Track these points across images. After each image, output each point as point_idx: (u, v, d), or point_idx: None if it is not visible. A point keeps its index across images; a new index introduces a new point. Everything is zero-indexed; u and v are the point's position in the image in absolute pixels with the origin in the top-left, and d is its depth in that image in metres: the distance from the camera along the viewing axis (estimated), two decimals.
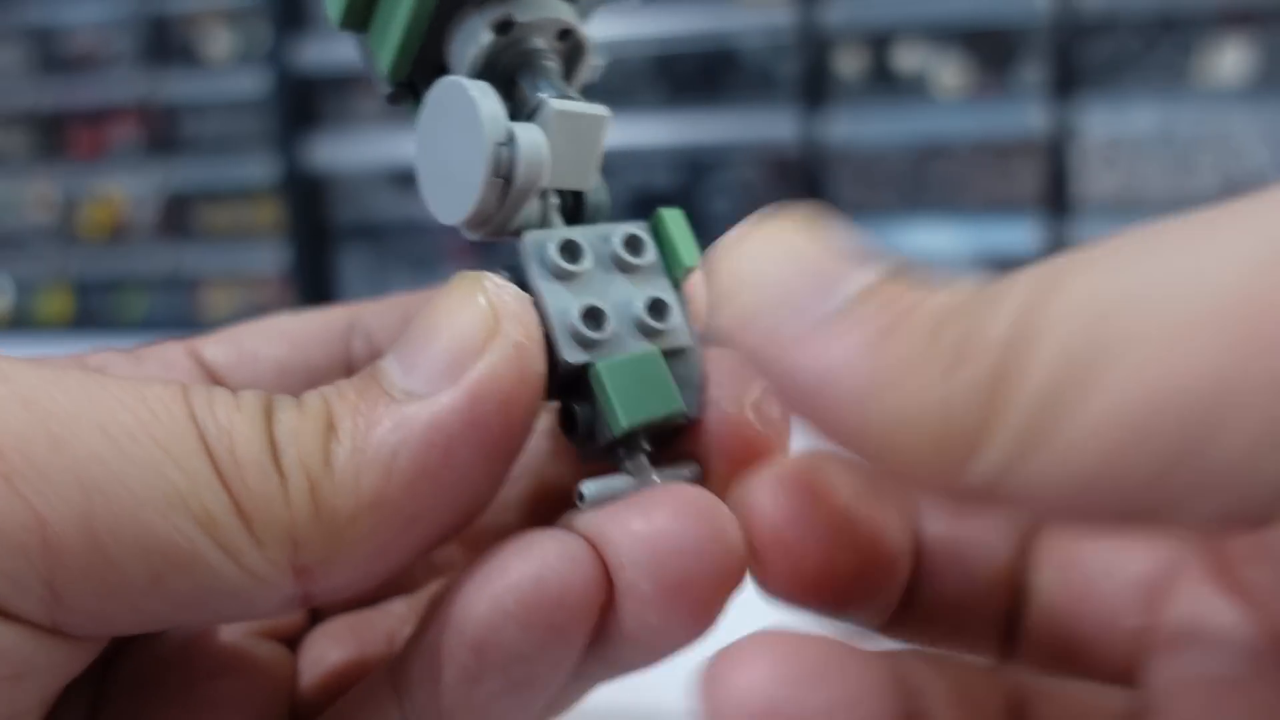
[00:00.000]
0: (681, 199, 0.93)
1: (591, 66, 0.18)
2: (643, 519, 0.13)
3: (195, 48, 1.12)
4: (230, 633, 0.18)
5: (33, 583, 0.12)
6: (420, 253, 1.08)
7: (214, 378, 0.18)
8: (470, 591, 0.13)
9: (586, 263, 0.16)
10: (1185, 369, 0.09)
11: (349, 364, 0.19)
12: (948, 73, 0.90)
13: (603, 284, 0.16)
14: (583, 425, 0.15)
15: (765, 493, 0.14)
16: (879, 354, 0.11)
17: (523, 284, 0.15)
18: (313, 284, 1.07)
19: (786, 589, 0.14)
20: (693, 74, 0.94)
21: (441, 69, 0.17)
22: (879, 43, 0.91)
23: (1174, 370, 0.10)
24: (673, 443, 0.16)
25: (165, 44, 1.13)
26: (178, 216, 1.15)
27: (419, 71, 0.17)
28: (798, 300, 0.12)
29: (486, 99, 0.15)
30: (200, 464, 0.12)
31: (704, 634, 0.14)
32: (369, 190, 1.09)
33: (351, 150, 1.03)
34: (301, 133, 1.04)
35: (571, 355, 0.15)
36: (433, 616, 0.14)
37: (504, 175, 0.15)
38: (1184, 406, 0.09)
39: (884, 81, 0.91)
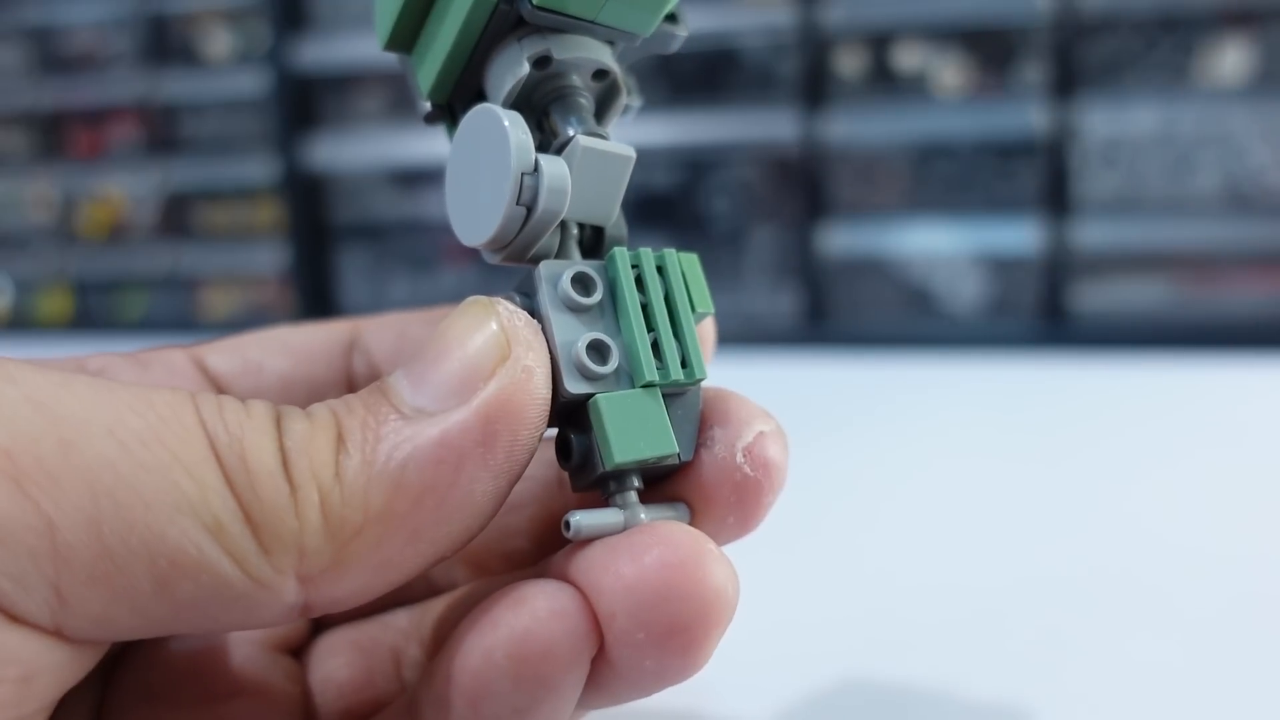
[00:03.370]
0: (681, 198, 0.93)
1: (624, 106, 0.18)
2: (632, 564, 0.14)
3: (195, 48, 1.12)
4: (242, 649, 0.18)
5: (39, 585, 0.12)
6: (420, 253, 1.08)
7: (218, 386, 0.19)
8: (465, 644, 0.14)
9: (598, 295, 0.16)
10: None
11: (350, 379, 0.19)
12: (948, 73, 0.90)
13: (613, 318, 0.16)
14: (577, 455, 0.16)
15: None
16: None
17: (533, 311, 0.15)
18: (313, 284, 1.07)
19: None
20: (692, 73, 0.94)
21: (480, 94, 0.17)
22: (879, 43, 0.91)
23: None
24: (665, 480, 0.16)
25: (165, 44, 1.13)
26: (177, 216, 1.15)
27: (458, 95, 0.17)
28: None
29: (517, 129, 0.15)
30: (210, 471, 0.13)
31: (699, 669, 0.14)
32: (369, 190, 1.08)
33: (351, 150, 1.03)
34: (301, 133, 1.04)
35: (573, 386, 0.15)
36: (437, 665, 0.14)
37: (526, 204, 0.15)
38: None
39: (884, 81, 0.91)
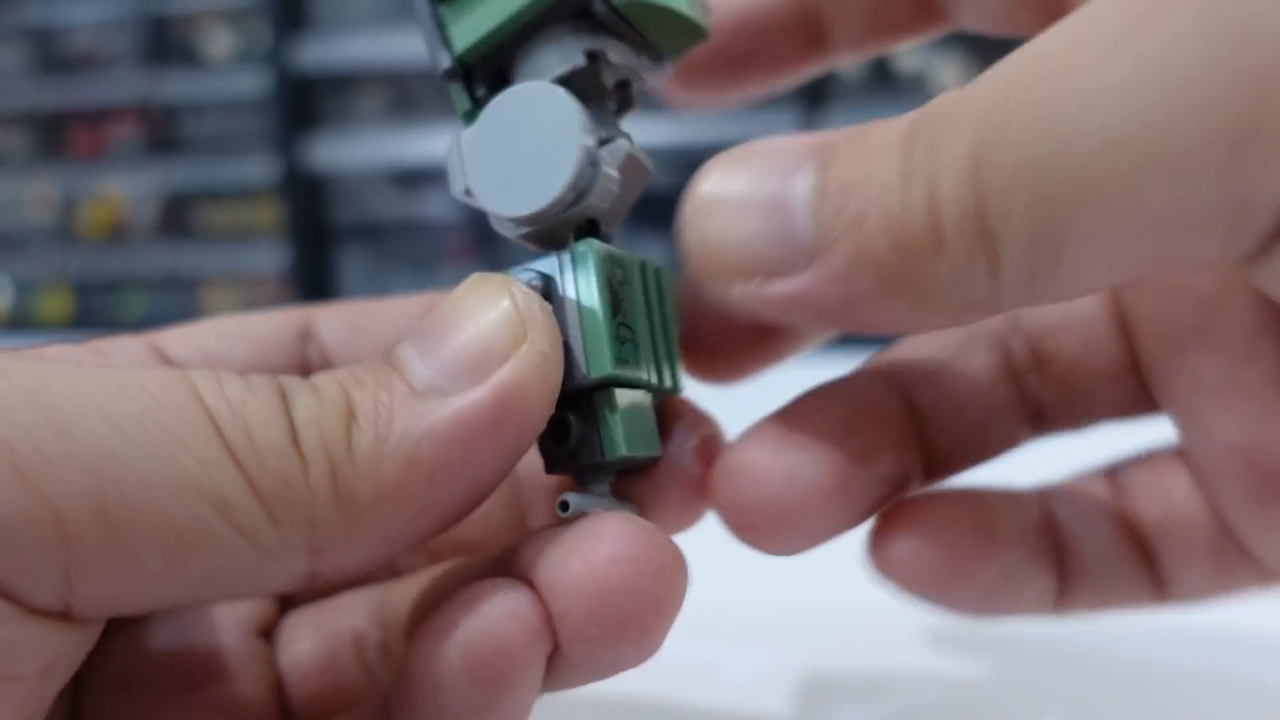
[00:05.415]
0: (681, 199, 0.92)
1: (624, 123, 0.18)
2: (582, 561, 0.14)
3: (195, 48, 1.12)
4: (217, 634, 0.18)
5: (50, 574, 0.12)
6: (420, 253, 1.08)
7: None
8: (424, 647, 0.14)
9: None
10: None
11: (304, 367, 0.20)
12: (948, 73, 0.90)
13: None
14: (575, 439, 0.16)
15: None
16: (853, 280, 0.14)
17: (547, 291, 0.15)
18: (313, 284, 1.07)
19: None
20: None
21: (500, 69, 0.17)
22: None
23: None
24: (621, 477, 0.17)
25: (165, 44, 1.13)
26: (177, 216, 1.15)
27: (482, 63, 0.17)
28: (765, 259, 0.14)
29: (585, 119, 0.16)
30: (213, 448, 0.12)
31: (651, 656, 0.14)
32: (369, 190, 1.09)
33: (351, 150, 1.03)
34: (301, 133, 1.04)
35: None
36: (404, 667, 0.14)
37: (578, 191, 0.15)
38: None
39: (884, 81, 0.91)
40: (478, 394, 0.14)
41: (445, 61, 0.17)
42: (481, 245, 1.11)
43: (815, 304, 0.14)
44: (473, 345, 0.14)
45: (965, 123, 0.13)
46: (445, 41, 0.17)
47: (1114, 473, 0.20)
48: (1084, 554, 0.19)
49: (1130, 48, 0.11)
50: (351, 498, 0.13)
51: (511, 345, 0.14)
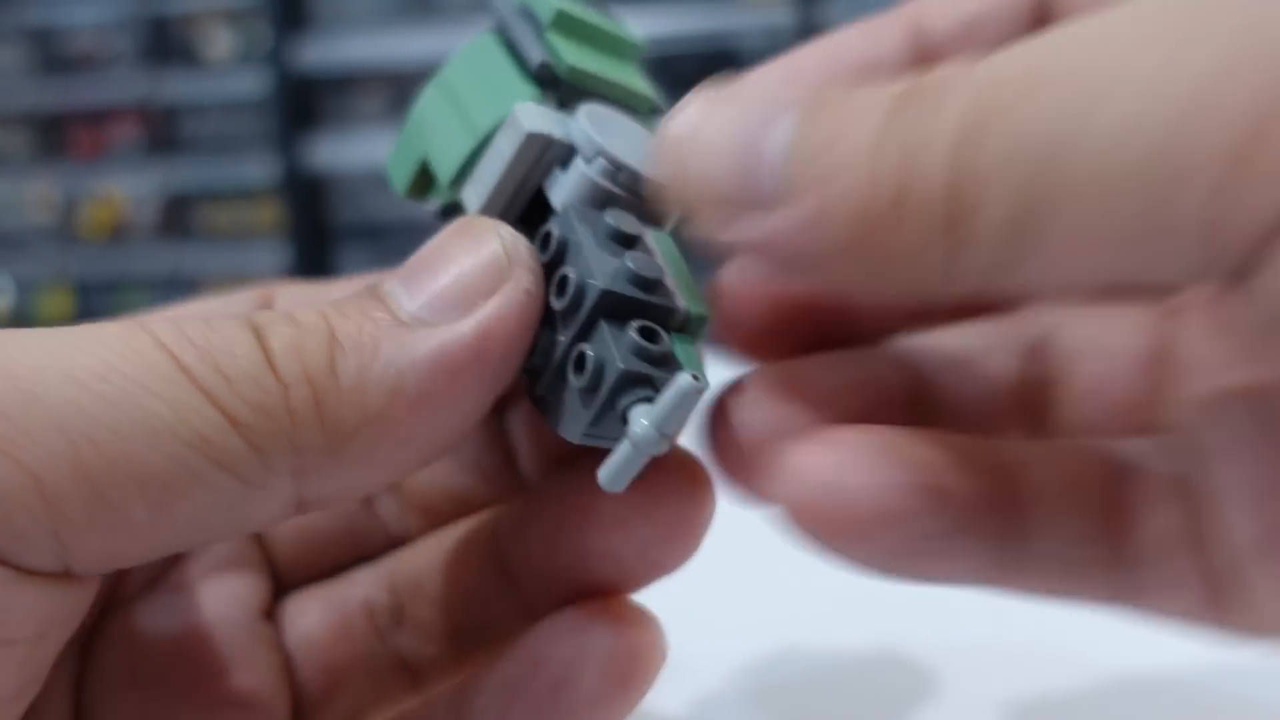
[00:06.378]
0: None
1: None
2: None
3: (195, 48, 1.12)
4: (222, 621, 0.18)
5: (41, 537, 0.12)
6: None
7: None
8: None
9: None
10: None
11: None
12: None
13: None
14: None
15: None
16: (823, 226, 0.13)
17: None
18: None
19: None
20: (693, 73, 0.94)
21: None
22: None
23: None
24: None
25: (165, 44, 1.13)
26: (178, 216, 1.15)
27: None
28: (740, 193, 0.14)
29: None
30: (180, 388, 0.12)
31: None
32: (369, 190, 1.09)
33: (351, 150, 1.03)
34: (301, 133, 1.04)
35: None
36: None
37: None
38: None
39: None
40: (462, 326, 0.14)
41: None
42: None
43: (783, 248, 0.14)
44: (459, 281, 0.14)
45: (966, 94, 0.12)
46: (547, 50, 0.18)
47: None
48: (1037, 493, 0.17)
49: (1153, 54, 0.11)
50: (337, 422, 0.13)
51: (497, 282, 0.14)
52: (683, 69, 0.96)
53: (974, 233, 0.12)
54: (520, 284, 0.14)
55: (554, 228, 0.16)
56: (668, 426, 0.14)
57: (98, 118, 1.15)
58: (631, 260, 0.15)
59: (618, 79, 0.19)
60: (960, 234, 0.12)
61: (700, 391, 0.14)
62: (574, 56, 0.18)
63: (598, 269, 0.15)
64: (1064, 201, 0.12)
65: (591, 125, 0.17)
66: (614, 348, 0.15)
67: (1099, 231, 0.12)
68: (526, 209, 0.17)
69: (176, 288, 1.15)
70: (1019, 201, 0.12)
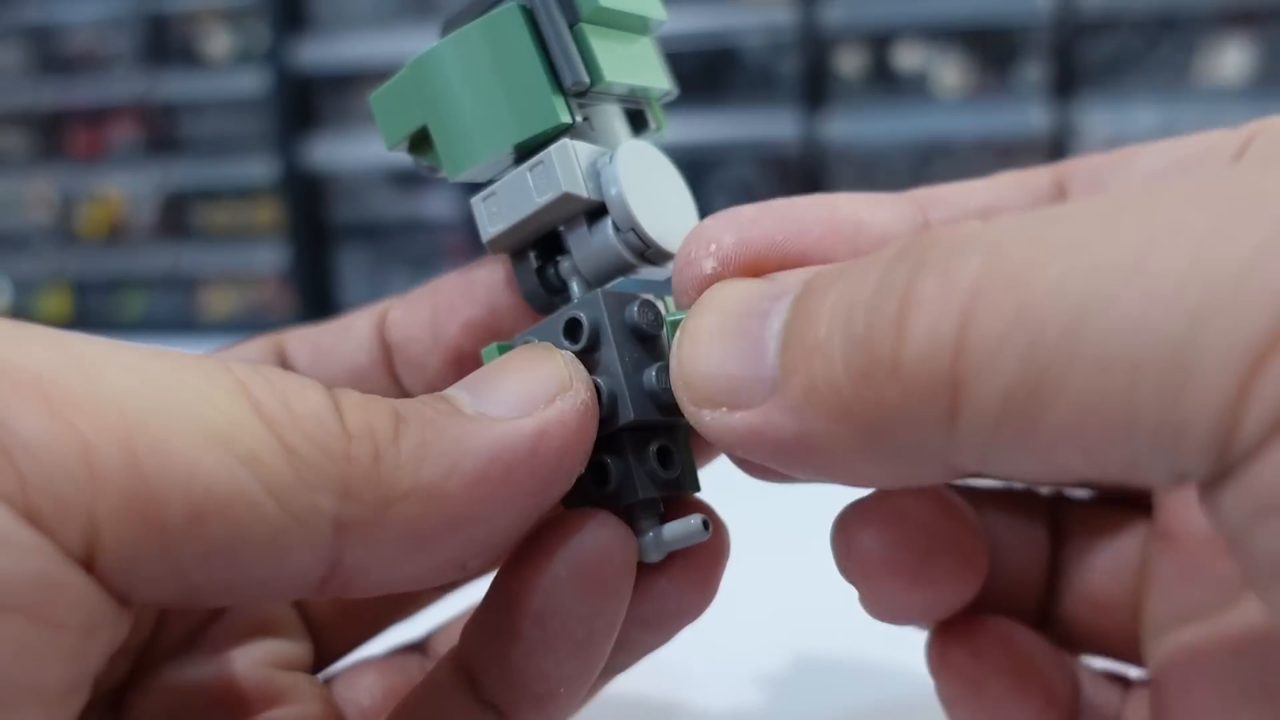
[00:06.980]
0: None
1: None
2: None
3: (195, 47, 1.12)
4: (257, 671, 0.18)
5: (75, 509, 0.11)
6: (419, 252, 1.08)
7: None
8: (525, 577, 0.16)
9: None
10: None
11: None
12: (948, 72, 0.90)
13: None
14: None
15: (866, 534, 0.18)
16: (811, 419, 0.13)
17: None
18: (312, 284, 1.07)
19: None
20: (693, 73, 0.94)
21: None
22: (879, 42, 0.91)
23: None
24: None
25: (164, 44, 1.12)
26: (177, 216, 1.15)
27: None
28: (730, 390, 0.14)
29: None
30: (242, 410, 0.13)
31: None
32: (369, 190, 1.08)
33: (351, 150, 1.03)
34: (301, 133, 1.04)
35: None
36: (487, 614, 0.16)
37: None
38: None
39: (884, 81, 0.91)
40: (522, 424, 0.14)
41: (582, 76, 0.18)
42: (479, 246, 1.10)
43: (771, 439, 0.14)
44: (522, 387, 0.15)
45: (978, 253, 0.12)
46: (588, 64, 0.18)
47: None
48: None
49: (1179, 242, 0.11)
50: (391, 482, 0.13)
51: (558, 390, 0.15)
52: (682, 68, 0.96)
53: (980, 395, 0.12)
54: (579, 395, 0.15)
55: (582, 315, 0.16)
56: (669, 549, 0.16)
57: (97, 117, 1.15)
58: (657, 378, 0.16)
59: (641, 81, 0.19)
60: (962, 395, 0.12)
61: (705, 538, 0.16)
62: (608, 63, 0.18)
63: (631, 393, 0.16)
64: (1069, 382, 0.11)
65: (627, 185, 0.17)
66: (635, 474, 0.16)
67: (1102, 419, 0.11)
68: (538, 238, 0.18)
69: (175, 287, 1.15)
70: (1028, 369, 0.11)
